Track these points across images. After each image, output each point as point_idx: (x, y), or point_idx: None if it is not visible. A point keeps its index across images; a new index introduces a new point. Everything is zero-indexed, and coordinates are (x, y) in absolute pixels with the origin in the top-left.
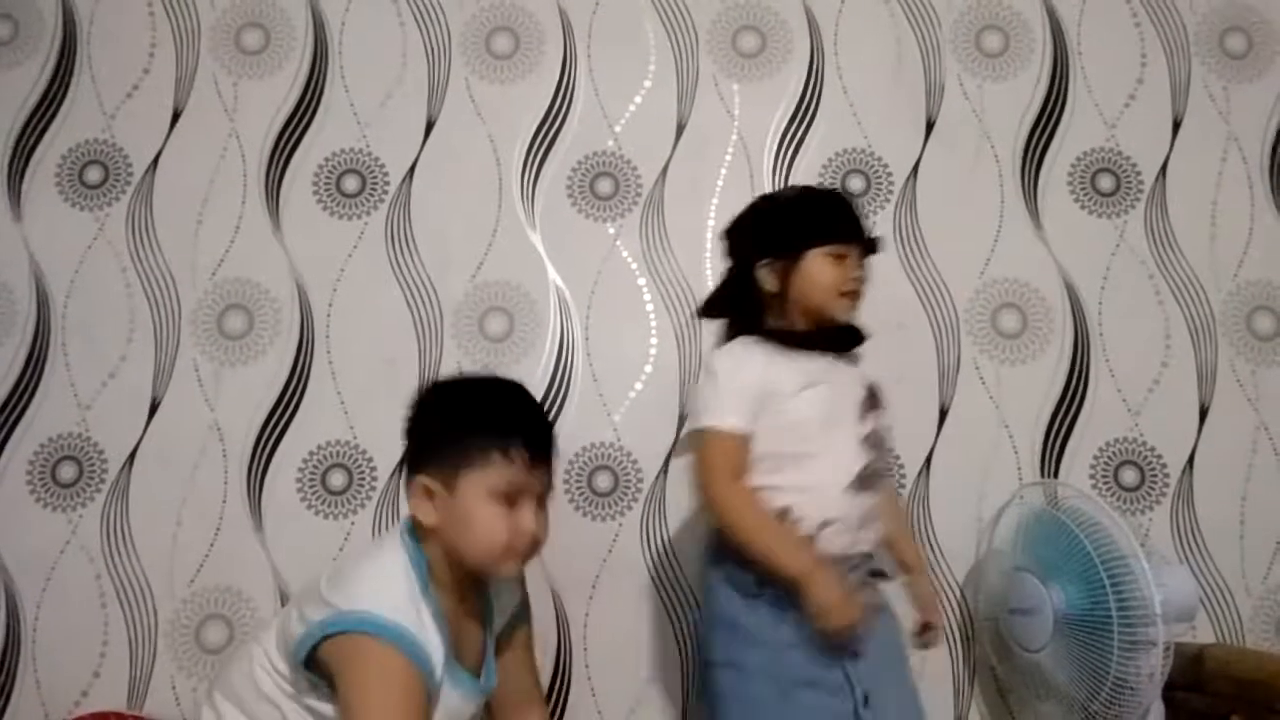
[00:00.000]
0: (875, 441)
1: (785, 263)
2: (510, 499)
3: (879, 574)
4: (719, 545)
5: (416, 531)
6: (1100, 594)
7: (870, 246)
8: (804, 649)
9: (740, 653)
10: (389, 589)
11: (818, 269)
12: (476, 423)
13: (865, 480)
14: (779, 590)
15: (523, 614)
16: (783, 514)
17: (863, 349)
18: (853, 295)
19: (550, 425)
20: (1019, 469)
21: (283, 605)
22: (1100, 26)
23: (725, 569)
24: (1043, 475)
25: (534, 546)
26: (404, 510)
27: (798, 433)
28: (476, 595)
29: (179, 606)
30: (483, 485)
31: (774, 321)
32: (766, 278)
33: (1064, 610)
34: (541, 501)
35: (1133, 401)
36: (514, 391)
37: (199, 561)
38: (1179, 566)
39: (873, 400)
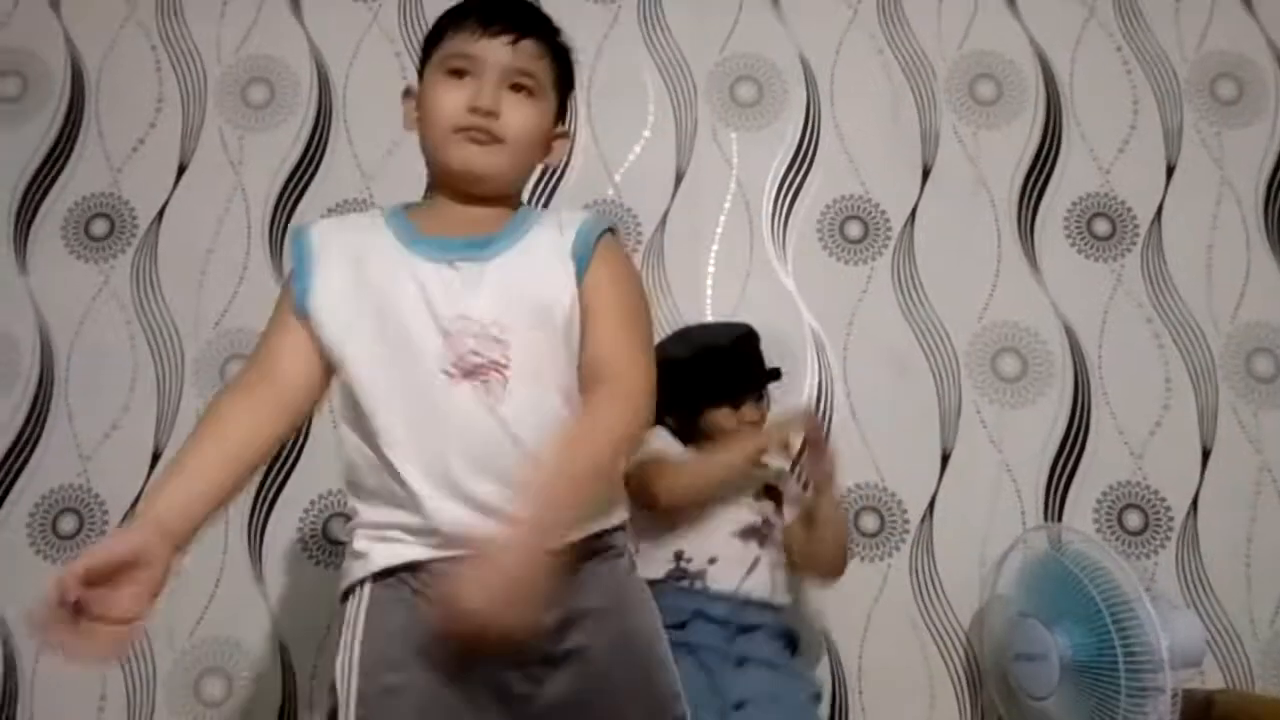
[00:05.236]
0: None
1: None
2: (461, 72)
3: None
4: None
5: None
6: (1106, 640)
7: (771, 377)
8: None
9: None
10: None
11: (715, 420)
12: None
13: (750, 532)
14: None
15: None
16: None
17: None
18: (749, 427)
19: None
20: (1022, 513)
21: (282, 658)
22: (1092, 73)
23: None
24: (1046, 519)
25: (485, 122)
26: None
27: None
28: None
29: (178, 658)
30: (437, 63)
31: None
32: (674, 427)
33: (1070, 656)
34: (514, 86)
35: (1134, 444)
36: None
37: (199, 613)
38: (1185, 611)
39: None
